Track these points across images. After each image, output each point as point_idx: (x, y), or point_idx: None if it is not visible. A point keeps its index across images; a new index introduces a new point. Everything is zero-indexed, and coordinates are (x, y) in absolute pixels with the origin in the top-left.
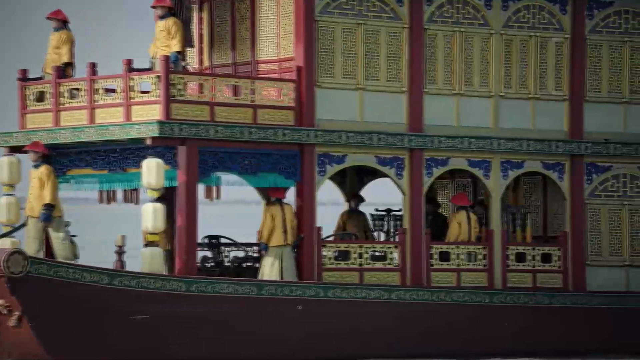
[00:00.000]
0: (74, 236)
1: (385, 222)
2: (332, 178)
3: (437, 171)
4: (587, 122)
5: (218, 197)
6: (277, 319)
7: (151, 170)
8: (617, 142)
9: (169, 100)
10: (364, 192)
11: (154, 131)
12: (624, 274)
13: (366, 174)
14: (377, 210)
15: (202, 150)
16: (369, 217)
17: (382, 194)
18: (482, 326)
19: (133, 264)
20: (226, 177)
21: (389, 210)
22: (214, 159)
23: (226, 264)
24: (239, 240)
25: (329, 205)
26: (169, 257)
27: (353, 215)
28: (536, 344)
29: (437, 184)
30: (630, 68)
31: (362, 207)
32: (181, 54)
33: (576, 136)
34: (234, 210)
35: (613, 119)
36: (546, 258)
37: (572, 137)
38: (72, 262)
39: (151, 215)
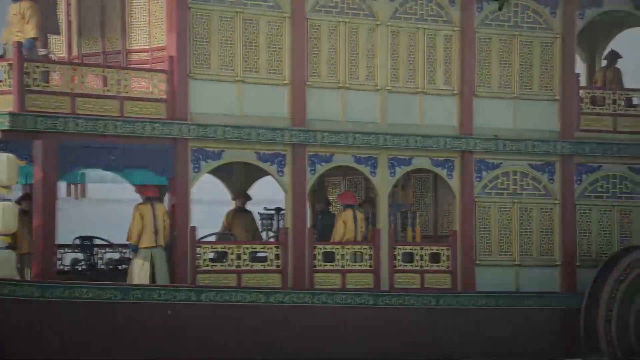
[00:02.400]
0: None
1: (275, 222)
2: (218, 175)
3: (321, 168)
4: (477, 118)
5: (83, 195)
6: (144, 325)
7: (1, 166)
8: (508, 139)
9: (23, 90)
10: (254, 190)
11: (4, 124)
12: (513, 274)
13: (255, 171)
14: (266, 209)
15: (62, 145)
16: (257, 217)
17: (274, 192)
18: (367, 329)
19: None
20: (95, 173)
21: (278, 209)
22: (74, 154)
23: (100, 267)
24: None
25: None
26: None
27: (239, 214)
28: (424, 346)
29: (328, 182)
30: (520, 62)
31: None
32: (37, 41)
33: (466, 132)
34: (118, 210)
35: (503, 115)
36: (435, 258)
37: (461, 133)
38: None
39: (0, 215)
